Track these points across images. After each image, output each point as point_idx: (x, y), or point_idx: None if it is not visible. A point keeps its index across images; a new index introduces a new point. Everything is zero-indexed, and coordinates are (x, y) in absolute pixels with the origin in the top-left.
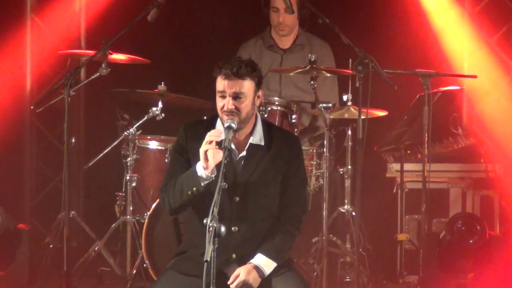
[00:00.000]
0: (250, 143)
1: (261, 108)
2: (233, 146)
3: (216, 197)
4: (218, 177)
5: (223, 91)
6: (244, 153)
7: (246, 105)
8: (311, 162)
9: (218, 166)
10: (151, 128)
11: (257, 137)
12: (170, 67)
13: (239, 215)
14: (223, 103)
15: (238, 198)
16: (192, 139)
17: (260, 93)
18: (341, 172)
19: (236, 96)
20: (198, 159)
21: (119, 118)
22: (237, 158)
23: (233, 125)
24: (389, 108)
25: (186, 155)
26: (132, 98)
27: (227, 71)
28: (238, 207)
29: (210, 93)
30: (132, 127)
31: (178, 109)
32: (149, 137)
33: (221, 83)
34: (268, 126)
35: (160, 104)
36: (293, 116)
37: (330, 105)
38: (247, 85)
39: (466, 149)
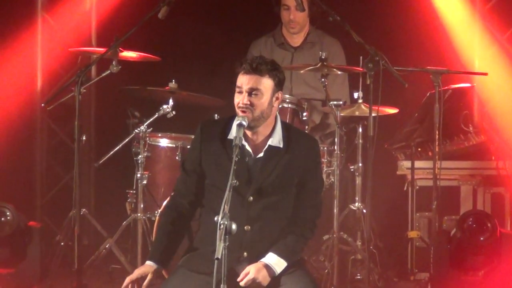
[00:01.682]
0: (269, 145)
1: None
2: (248, 148)
3: (226, 194)
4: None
5: (240, 87)
6: (261, 154)
7: (261, 103)
8: (322, 160)
9: (229, 165)
10: (162, 126)
11: (276, 139)
12: (181, 64)
13: (252, 215)
14: (238, 99)
15: (252, 198)
16: (206, 139)
17: (279, 94)
18: (351, 170)
19: (252, 92)
20: (211, 160)
21: (129, 116)
22: (254, 160)
23: (244, 122)
24: (400, 105)
25: (199, 154)
26: (143, 96)
27: (247, 66)
28: (251, 207)
29: (221, 91)
30: (143, 124)
31: (189, 106)
32: (160, 135)
33: (240, 79)
34: (287, 128)
35: (171, 102)
36: (304, 114)
37: (341, 102)
38: (265, 83)
39: (477, 146)
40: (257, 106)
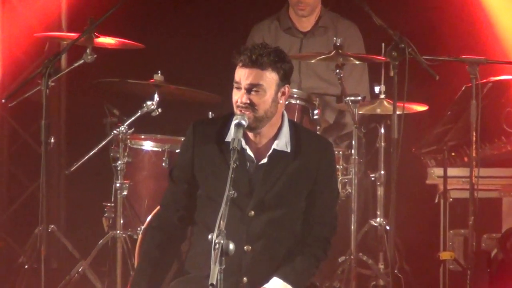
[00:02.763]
0: (274, 149)
1: None
2: (250, 152)
3: (223, 208)
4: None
5: (238, 82)
6: (265, 160)
7: (263, 101)
8: (337, 166)
9: (226, 172)
10: (146, 126)
11: (283, 142)
12: (169, 53)
13: (253, 232)
14: (237, 97)
15: (253, 212)
16: (200, 141)
17: (286, 89)
18: (372, 179)
19: (252, 89)
20: (205, 167)
21: (107, 114)
22: (257, 166)
23: (243, 122)
24: (429, 102)
25: (190, 160)
26: (122, 90)
27: (246, 58)
28: (253, 223)
29: (217, 84)
30: (123, 124)
31: (178, 103)
32: (143, 137)
33: (238, 73)
34: (295, 129)
35: (156, 97)
36: (315, 112)
37: (359, 98)
38: (268, 77)
39: None
40: (259, 105)
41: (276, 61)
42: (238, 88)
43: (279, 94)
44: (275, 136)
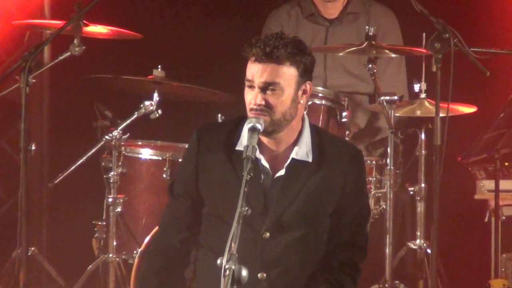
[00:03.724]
0: (293, 158)
1: None
2: (265, 162)
3: (234, 228)
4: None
5: (251, 80)
6: (282, 171)
7: (281, 102)
8: (369, 178)
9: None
10: (144, 131)
11: (303, 150)
12: (171, 44)
13: (269, 257)
14: (250, 97)
15: (268, 234)
16: (206, 150)
17: (307, 86)
18: (411, 193)
19: (268, 87)
20: (211, 180)
21: (97, 116)
22: (273, 179)
23: (258, 125)
24: (479, 102)
25: (194, 171)
26: (116, 88)
27: (259, 51)
28: (268, 246)
29: (227, 81)
30: (117, 128)
31: (182, 103)
32: (140, 143)
33: (250, 69)
34: (319, 135)
35: (155, 97)
36: (344, 114)
37: (396, 97)
38: (285, 73)
39: None
40: (276, 106)
41: (295, 54)
42: (251, 87)
43: (300, 92)
44: (295, 143)
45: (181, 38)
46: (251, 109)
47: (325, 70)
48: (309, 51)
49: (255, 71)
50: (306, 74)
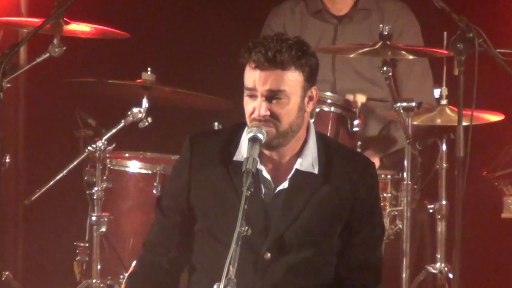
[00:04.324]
0: (297, 170)
1: None
2: (266, 174)
3: (233, 249)
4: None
5: (253, 89)
6: (285, 184)
7: (288, 111)
8: (383, 194)
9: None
10: (131, 141)
11: (308, 161)
12: (162, 45)
13: (270, 281)
14: (252, 107)
15: (269, 255)
16: (200, 160)
17: (313, 91)
18: (430, 211)
19: (273, 96)
20: (206, 195)
21: (80, 125)
22: (275, 193)
23: (259, 135)
24: (506, 109)
25: (186, 185)
26: (100, 93)
27: (259, 57)
28: (269, 269)
29: (225, 86)
30: (101, 138)
31: (174, 111)
32: (127, 155)
33: (250, 76)
34: (326, 144)
35: (145, 103)
36: (355, 122)
37: (413, 104)
38: (291, 79)
39: None
40: (283, 117)
41: (300, 57)
42: (252, 97)
43: (306, 99)
44: (299, 153)
45: (173, 38)
46: (253, 119)
47: (334, 73)
48: (312, 51)
49: (257, 79)
50: (311, 78)
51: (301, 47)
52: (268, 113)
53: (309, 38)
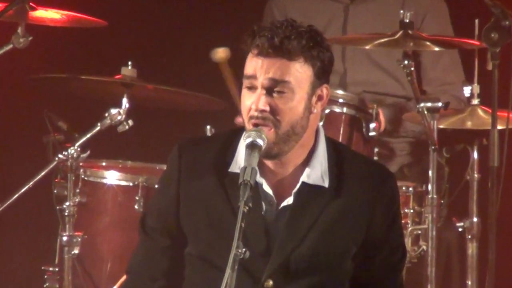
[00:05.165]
0: (304, 183)
1: None
2: (267, 188)
3: (228, 275)
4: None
5: (253, 76)
6: (290, 200)
7: (291, 108)
8: (405, 210)
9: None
10: (109, 148)
11: (317, 172)
12: (144, 35)
13: None
14: (250, 102)
15: (271, 282)
16: (189, 171)
17: (323, 90)
18: (459, 229)
19: (274, 88)
20: (197, 212)
21: (49, 129)
22: (278, 210)
23: (259, 141)
24: None
25: (175, 201)
26: (73, 91)
27: (264, 43)
28: None
29: (219, 84)
30: (74, 145)
31: (159, 112)
32: (104, 164)
33: (251, 64)
34: (337, 152)
35: (125, 103)
36: (371, 126)
37: (440, 104)
38: (298, 71)
39: None
40: (284, 114)
41: (311, 47)
42: (251, 88)
43: (314, 99)
44: (306, 163)
45: (158, 26)
46: (251, 117)
47: (344, 63)
48: (327, 45)
49: (258, 66)
50: (323, 75)
51: (315, 36)
52: (268, 108)
53: (315, 20)
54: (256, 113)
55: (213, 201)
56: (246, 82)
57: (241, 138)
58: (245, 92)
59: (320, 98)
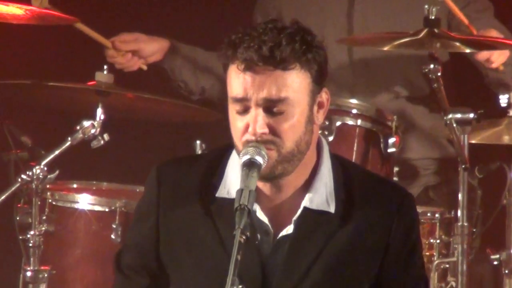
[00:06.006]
0: (306, 208)
1: None
2: (262, 216)
3: None
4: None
5: (244, 99)
6: (290, 229)
7: (293, 126)
8: (430, 240)
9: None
10: (81, 167)
11: (321, 196)
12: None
13: None
14: (244, 123)
15: None
16: (171, 198)
17: (323, 96)
18: (495, 263)
19: (273, 108)
20: (178, 246)
21: (10, 144)
22: (275, 240)
23: (258, 158)
24: None
25: (154, 234)
26: (39, 101)
27: (251, 54)
28: None
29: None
30: (40, 163)
31: (139, 125)
32: (75, 186)
33: (238, 82)
34: (344, 170)
35: (99, 114)
36: (391, 141)
37: (471, 116)
38: (296, 81)
39: None
40: (287, 134)
41: (306, 50)
42: (241, 113)
43: (315, 108)
44: (307, 185)
45: (137, 24)
46: (247, 141)
47: (351, 59)
48: (318, 41)
49: (248, 85)
50: (321, 78)
51: (305, 37)
52: (267, 130)
53: (316, 14)
54: (254, 137)
55: (198, 233)
56: (235, 106)
57: (230, 158)
58: (234, 115)
59: (321, 105)
